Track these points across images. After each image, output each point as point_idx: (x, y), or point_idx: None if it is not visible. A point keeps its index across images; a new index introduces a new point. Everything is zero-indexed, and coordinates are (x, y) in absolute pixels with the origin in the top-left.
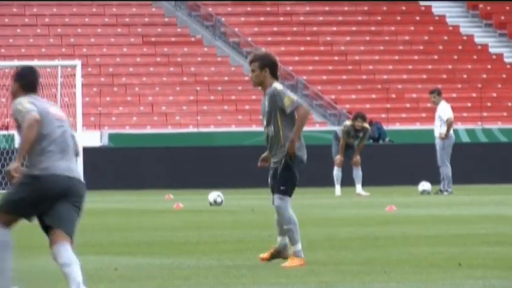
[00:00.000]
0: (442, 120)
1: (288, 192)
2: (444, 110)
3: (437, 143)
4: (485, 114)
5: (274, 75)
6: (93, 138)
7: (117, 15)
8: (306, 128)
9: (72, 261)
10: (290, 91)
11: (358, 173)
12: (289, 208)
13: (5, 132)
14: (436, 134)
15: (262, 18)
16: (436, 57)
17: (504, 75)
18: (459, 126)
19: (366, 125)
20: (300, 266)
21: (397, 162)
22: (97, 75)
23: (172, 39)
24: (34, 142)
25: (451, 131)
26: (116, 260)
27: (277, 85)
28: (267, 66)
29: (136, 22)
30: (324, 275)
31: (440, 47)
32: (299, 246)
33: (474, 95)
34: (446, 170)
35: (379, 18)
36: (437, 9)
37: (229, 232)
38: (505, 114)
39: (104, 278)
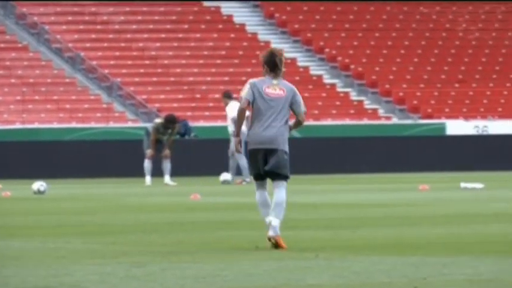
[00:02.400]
0: (231, 118)
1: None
2: (231, 110)
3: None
4: None
5: (269, 71)
6: None
7: None
8: (119, 125)
9: None
10: (247, 87)
11: (166, 165)
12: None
13: None
14: (229, 131)
15: (81, 27)
16: (236, 61)
17: (297, 78)
18: None
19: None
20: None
21: (202, 155)
22: None
23: (2, 45)
24: None
25: (243, 127)
26: None
27: (250, 80)
28: (264, 63)
29: None
30: (136, 256)
31: (241, 53)
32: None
33: None
34: (241, 161)
35: (186, 26)
36: (238, 18)
37: (51, 217)
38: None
39: None
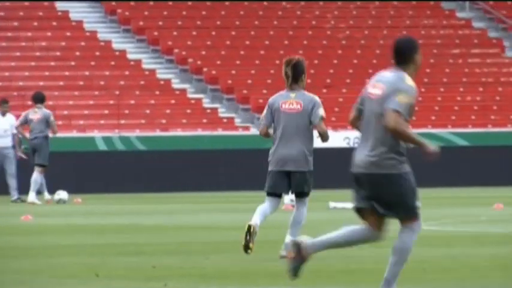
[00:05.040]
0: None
1: None
2: (9, 121)
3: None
4: (122, 121)
5: (286, 83)
6: None
7: None
8: None
9: None
10: (265, 110)
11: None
12: None
13: None
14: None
15: None
16: (73, 63)
17: (142, 82)
18: (96, 134)
19: None
20: None
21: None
22: None
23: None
24: None
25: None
26: None
27: (269, 99)
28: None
29: None
30: None
31: (78, 53)
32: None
33: (111, 102)
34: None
35: (16, 23)
36: (75, 14)
37: None
38: (142, 121)
39: None
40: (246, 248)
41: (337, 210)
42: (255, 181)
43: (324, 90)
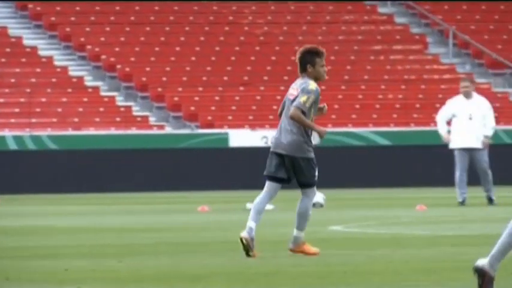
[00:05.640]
0: None
1: None
2: None
3: None
4: (34, 120)
5: None
6: None
7: None
8: None
9: None
10: None
11: None
12: None
13: None
14: None
15: None
16: None
17: (54, 79)
18: (7, 133)
19: None
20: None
21: None
22: None
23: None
24: None
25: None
26: None
27: None
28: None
29: None
30: None
31: None
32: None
33: (22, 100)
34: None
35: None
36: None
37: None
38: (54, 120)
39: None
40: (249, 256)
41: None
42: (170, 181)
43: (241, 88)
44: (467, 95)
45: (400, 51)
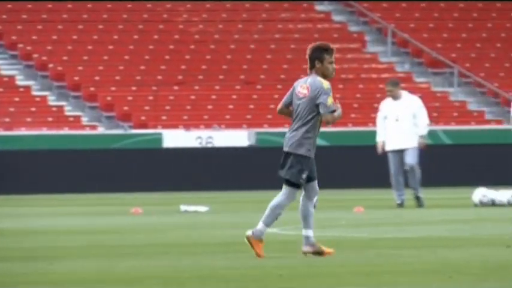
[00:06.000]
0: None
1: None
2: None
3: None
4: None
5: None
6: None
7: None
8: None
9: None
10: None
11: None
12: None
13: None
14: None
15: None
16: None
17: None
18: None
19: None
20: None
21: None
22: None
23: None
24: None
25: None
26: None
27: None
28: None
29: None
30: None
31: None
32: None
33: None
34: None
35: None
36: None
37: None
38: None
39: None
40: (258, 256)
41: (188, 214)
42: (103, 182)
43: (176, 87)
44: (394, 97)
45: (337, 49)
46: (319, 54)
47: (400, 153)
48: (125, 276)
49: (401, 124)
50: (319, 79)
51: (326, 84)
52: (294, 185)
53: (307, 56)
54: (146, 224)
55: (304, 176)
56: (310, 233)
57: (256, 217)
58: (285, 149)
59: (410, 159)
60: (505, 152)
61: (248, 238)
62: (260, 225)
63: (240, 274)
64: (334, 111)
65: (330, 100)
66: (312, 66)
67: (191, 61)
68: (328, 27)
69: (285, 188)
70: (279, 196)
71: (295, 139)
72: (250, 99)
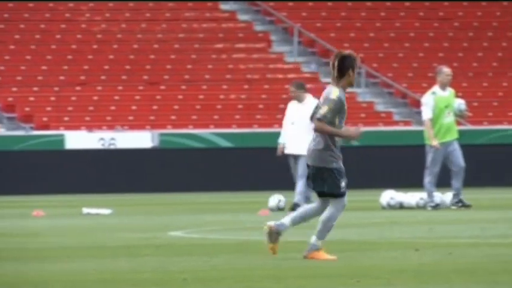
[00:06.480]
0: None
1: None
2: None
3: None
4: None
5: None
6: None
7: None
8: None
9: None
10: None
11: None
12: None
13: None
14: None
15: None
16: None
17: None
18: None
19: None
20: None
21: None
22: None
23: None
24: None
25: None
26: None
27: None
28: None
29: None
30: None
31: None
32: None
33: None
34: None
35: None
36: None
37: None
38: None
39: None
40: (272, 250)
41: (91, 216)
42: (3, 184)
43: (78, 88)
44: (297, 99)
45: (243, 49)
46: (352, 63)
47: (293, 157)
48: (28, 280)
49: (295, 128)
50: (334, 89)
51: (335, 94)
52: (337, 195)
53: (334, 64)
54: (48, 227)
55: (343, 184)
56: (319, 243)
57: (158, 219)
58: (309, 162)
59: (300, 167)
60: (414, 153)
61: (306, 256)
62: (314, 240)
63: (143, 278)
64: (332, 123)
65: (325, 109)
66: (342, 75)
67: (94, 61)
68: (233, 26)
69: (332, 201)
70: (330, 210)
71: (317, 153)
72: (153, 100)
